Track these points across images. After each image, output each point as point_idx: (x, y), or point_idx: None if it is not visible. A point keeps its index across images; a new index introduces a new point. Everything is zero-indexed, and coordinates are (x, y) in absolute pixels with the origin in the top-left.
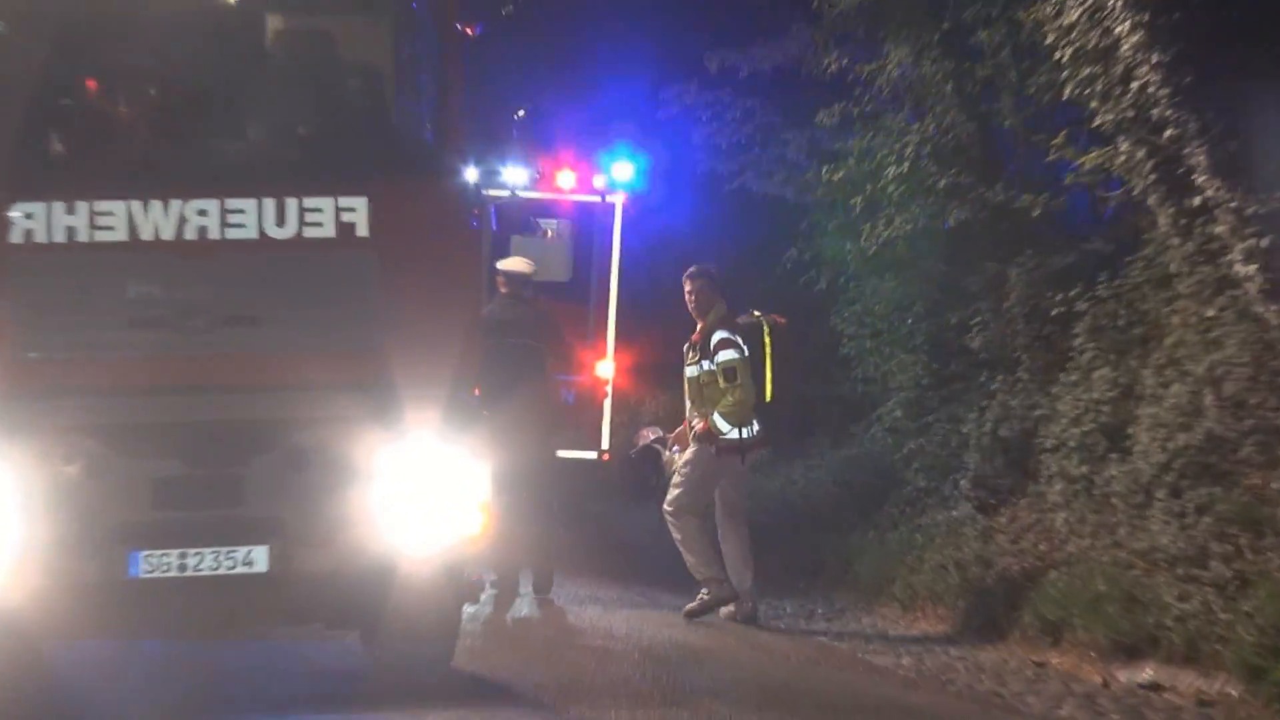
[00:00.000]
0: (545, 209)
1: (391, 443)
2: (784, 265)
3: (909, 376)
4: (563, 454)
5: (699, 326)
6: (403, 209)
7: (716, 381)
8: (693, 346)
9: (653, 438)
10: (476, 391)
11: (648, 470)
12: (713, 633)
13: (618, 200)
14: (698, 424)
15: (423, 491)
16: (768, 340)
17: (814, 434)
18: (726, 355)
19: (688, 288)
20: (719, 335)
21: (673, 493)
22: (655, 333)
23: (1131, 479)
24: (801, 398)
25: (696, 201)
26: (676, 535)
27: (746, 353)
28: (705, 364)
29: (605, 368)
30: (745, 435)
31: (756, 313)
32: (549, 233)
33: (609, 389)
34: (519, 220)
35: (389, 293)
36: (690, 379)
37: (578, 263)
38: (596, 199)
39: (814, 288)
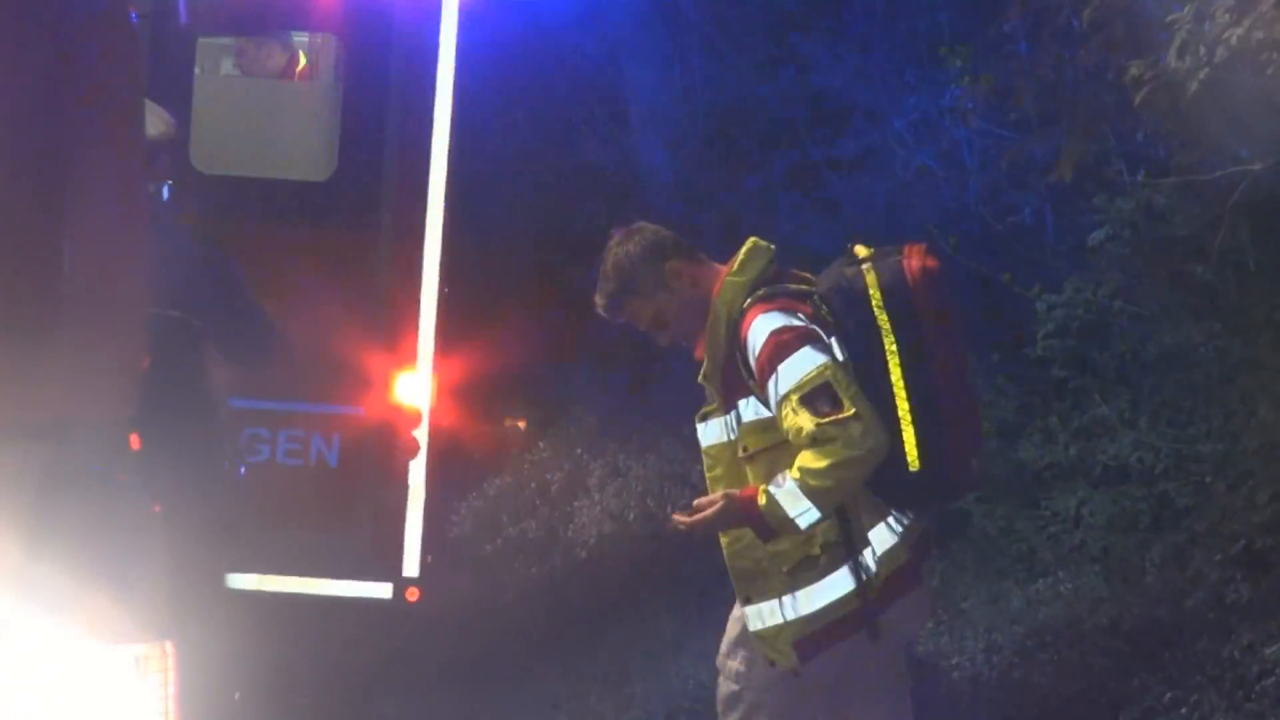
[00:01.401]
0: (278, 13)
1: None
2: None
3: None
4: (310, 587)
5: (700, 342)
6: None
7: (775, 440)
8: (707, 378)
9: None
10: (136, 445)
11: None
12: None
13: None
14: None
15: None
16: (883, 317)
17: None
18: (801, 366)
19: (641, 321)
20: (764, 325)
21: None
22: (557, 297)
23: None
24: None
25: None
26: None
27: (839, 356)
28: (744, 410)
29: (414, 386)
30: (878, 567)
31: (860, 251)
32: (300, 62)
33: (422, 434)
34: (223, 26)
35: None
36: (712, 451)
37: (352, 137)
38: None
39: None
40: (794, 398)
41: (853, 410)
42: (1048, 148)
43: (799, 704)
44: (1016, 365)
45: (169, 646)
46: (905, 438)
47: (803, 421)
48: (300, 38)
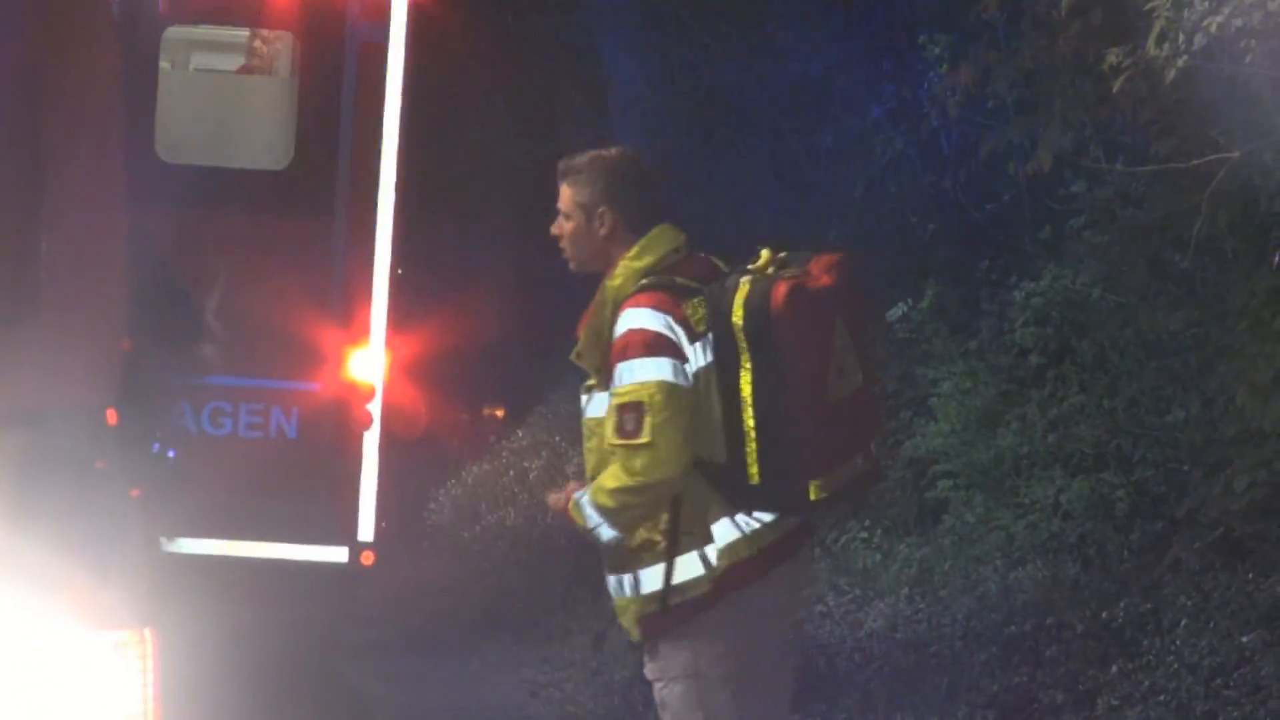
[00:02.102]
0: (239, 11)
1: None
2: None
3: None
4: (270, 551)
5: (584, 317)
6: None
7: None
8: (580, 357)
9: None
10: (112, 419)
11: None
12: None
13: None
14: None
15: None
16: (741, 335)
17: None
18: (630, 376)
19: (560, 203)
20: (627, 319)
21: None
22: (534, 285)
23: None
24: None
25: None
26: None
27: (700, 362)
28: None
29: (368, 363)
30: (718, 559)
31: (763, 256)
32: (261, 47)
33: (375, 408)
34: (179, 30)
35: None
36: (590, 424)
37: (308, 129)
38: None
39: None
40: (614, 404)
41: (647, 439)
42: (1026, 136)
43: (700, 687)
44: (994, 353)
45: (148, 633)
46: (748, 451)
47: (607, 432)
48: (255, 37)
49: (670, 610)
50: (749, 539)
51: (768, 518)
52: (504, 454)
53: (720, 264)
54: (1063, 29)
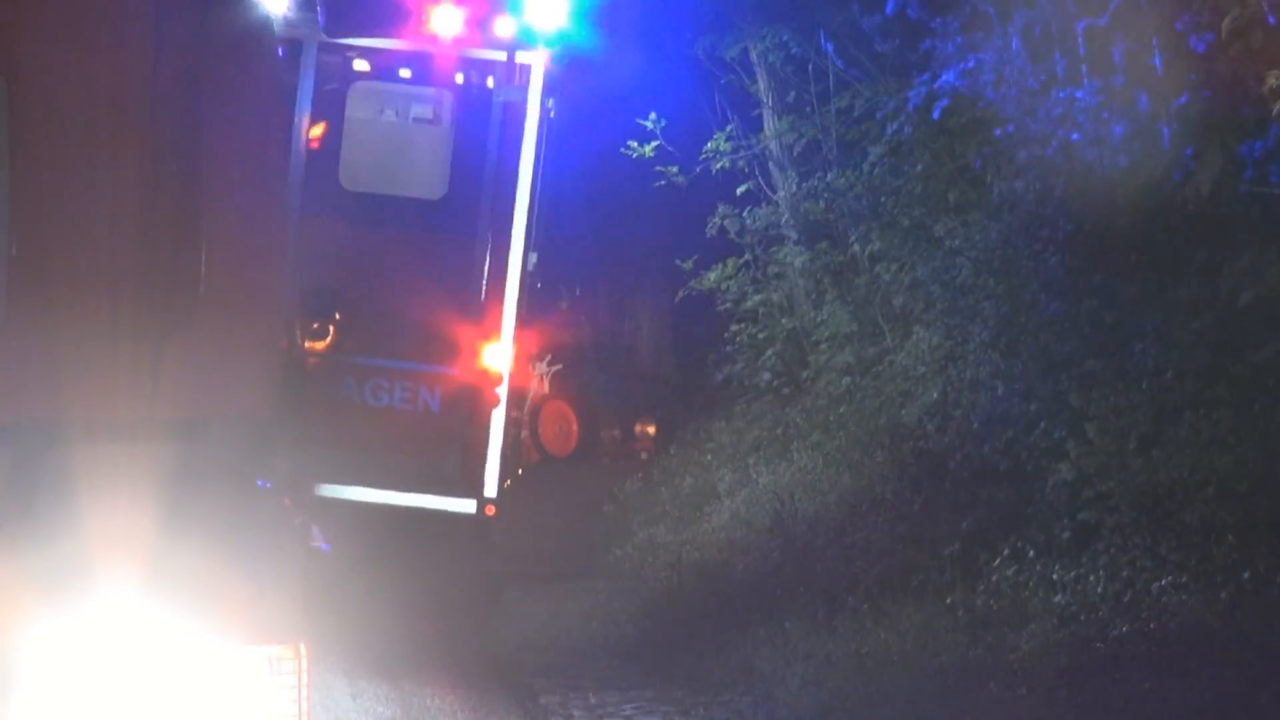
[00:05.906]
0: (411, 72)
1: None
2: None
3: None
4: (414, 501)
5: None
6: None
7: None
8: None
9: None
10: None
11: None
12: None
13: (536, 61)
14: None
15: None
16: None
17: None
18: None
19: None
20: None
21: None
22: (608, 293)
23: None
24: None
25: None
26: None
27: None
28: None
29: (497, 355)
30: None
31: None
32: (431, 102)
33: (502, 391)
34: (364, 85)
35: (47, 197)
36: None
37: (460, 168)
38: (499, 57)
39: None
40: None
41: None
42: (1181, 154)
43: None
44: (1151, 374)
45: (303, 647)
46: None
47: None
48: (422, 94)
49: None
50: None
51: None
52: (655, 471)
53: None
54: (1222, 51)
